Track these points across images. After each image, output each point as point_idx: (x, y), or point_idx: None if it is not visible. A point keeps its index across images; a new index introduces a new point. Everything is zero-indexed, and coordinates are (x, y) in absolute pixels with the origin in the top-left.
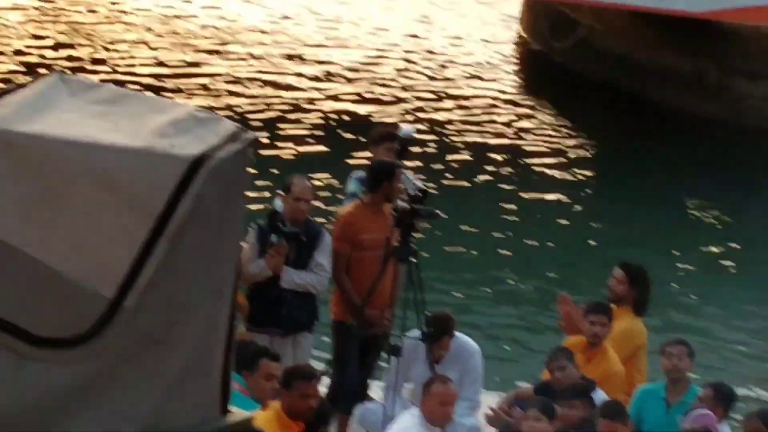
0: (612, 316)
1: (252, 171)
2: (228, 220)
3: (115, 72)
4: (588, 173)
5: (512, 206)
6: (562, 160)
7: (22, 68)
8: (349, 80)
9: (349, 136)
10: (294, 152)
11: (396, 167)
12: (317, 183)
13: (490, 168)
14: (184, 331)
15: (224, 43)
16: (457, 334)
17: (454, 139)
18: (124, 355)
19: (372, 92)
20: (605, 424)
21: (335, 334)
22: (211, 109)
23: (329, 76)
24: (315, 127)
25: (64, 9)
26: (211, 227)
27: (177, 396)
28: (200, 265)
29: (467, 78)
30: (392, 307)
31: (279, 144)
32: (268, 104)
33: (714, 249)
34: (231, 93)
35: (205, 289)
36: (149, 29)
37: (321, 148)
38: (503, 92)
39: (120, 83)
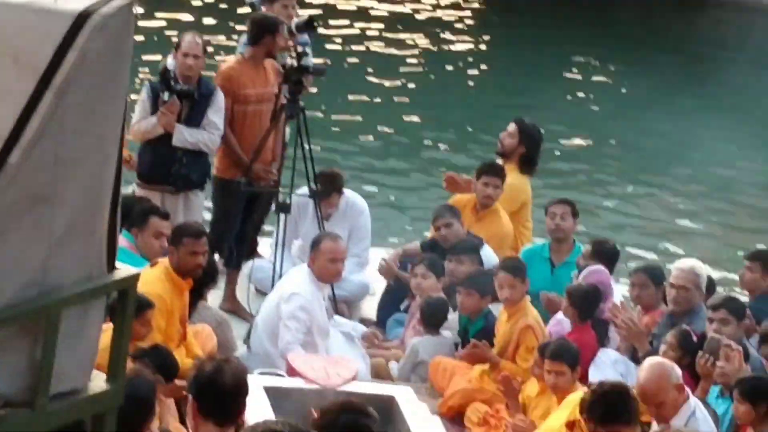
0: (504, 178)
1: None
2: (113, 76)
3: None
4: (486, 38)
5: (408, 68)
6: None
7: None
8: None
9: None
10: (193, 17)
11: (278, 23)
12: (219, 44)
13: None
14: (69, 187)
15: None
16: (346, 191)
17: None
18: (9, 211)
19: None
20: (504, 278)
21: (220, 190)
22: None
23: None
24: None
25: None
26: (97, 83)
27: (62, 252)
28: (86, 121)
29: None
30: (278, 162)
31: (178, 7)
32: None
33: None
34: None
35: (90, 146)
36: None
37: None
38: None
39: None
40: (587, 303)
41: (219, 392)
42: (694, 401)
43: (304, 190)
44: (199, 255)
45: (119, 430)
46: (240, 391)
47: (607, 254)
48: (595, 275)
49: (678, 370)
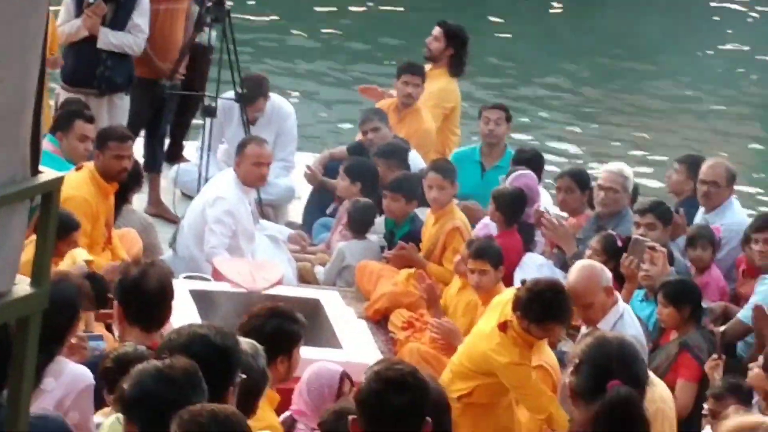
0: (425, 77)
1: None
2: None
3: None
4: None
5: None
6: None
7: None
8: None
9: None
10: None
11: None
12: None
13: None
14: None
15: None
16: (272, 95)
17: None
18: None
19: None
20: (433, 178)
21: (140, 90)
22: None
23: None
24: None
25: None
26: None
27: None
28: (4, 20)
29: None
30: (182, 58)
31: None
32: None
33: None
34: None
35: (10, 46)
36: None
37: None
38: None
39: None
40: (513, 207)
41: (144, 297)
42: (623, 305)
43: (230, 94)
44: (124, 159)
45: (44, 334)
46: (165, 295)
47: (528, 161)
48: (522, 179)
49: (608, 273)
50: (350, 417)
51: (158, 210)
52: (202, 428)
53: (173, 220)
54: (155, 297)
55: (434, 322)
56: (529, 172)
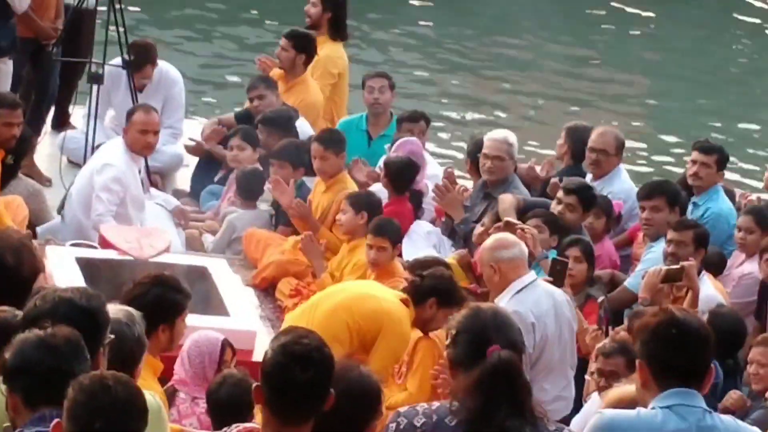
0: (310, 44)
1: None
2: None
3: None
4: None
5: None
6: None
7: None
8: None
9: None
10: None
11: None
12: None
13: None
14: None
15: None
16: (160, 62)
17: None
18: None
19: None
20: (316, 149)
21: (23, 52)
22: None
23: None
24: None
25: None
26: None
27: None
28: None
29: None
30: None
31: None
32: None
33: None
34: None
35: None
36: None
37: None
38: None
39: None
40: (403, 175)
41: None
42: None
43: (118, 60)
44: (14, 126)
45: None
46: (35, 277)
47: (411, 121)
48: (407, 146)
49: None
50: (254, 385)
51: (30, 172)
52: (106, 389)
53: (44, 183)
54: (29, 282)
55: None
56: (413, 138)
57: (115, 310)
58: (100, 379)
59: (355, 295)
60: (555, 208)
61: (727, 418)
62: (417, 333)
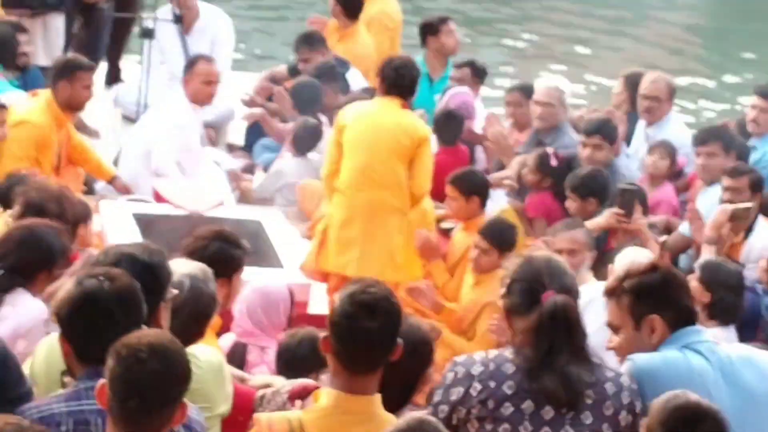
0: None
1: None
2: None
3: None
4: None
5: None
6: None
7: None
8: None
9: None
10: None
11: None
12: None
13: None
14: None
15: None
16: (208, 6)
17: None
18: None
19: None
20: None
21: (77, 10)
22: None
23: None
24: None
25: None
26: None
27: None
28: None
29: None
30: None
31: None
32: None
33: None
34: None
35: None
36: None
37: None
38: None
39: None
40: (447, 127)
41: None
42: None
43: (168, 14)
44: (90, 87)
45: (12, 267)
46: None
47: (477, 73)
48: (458, 97)
49: None
50: (322, 335)
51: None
52: (141, 363)
53: (92, 136)
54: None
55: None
56: (464, 88)
57: (190, 266)
58: (136, 352)
59: None
60: (583, 153)
61: (737, 345)
62: (482, 294)
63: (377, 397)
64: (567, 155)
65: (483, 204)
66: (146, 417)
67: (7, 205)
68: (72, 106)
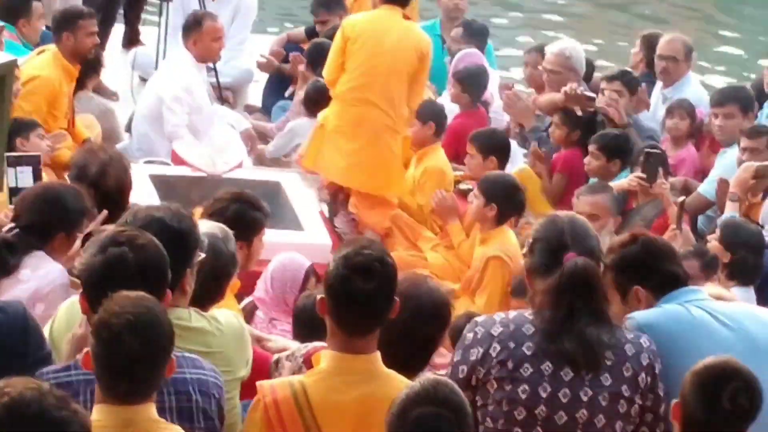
0: None
1: None
2: None
3: None
4: None
5: None
6: None
7: None
8: None
9: None
10: None
11: None
12: None
13: None
14: None
15: None
16: None
17: None
18: None
19: None
20: None
21: None
22: None
23: None
24: None
25: None
26: None
27: None
28: None
29: None
30: None
31: None
32: None
33: None
34: None
35: None
36: None
37: None
38: None
39: None
40: (479, 83)
41: (104, 194)
42: None
43: None
44: (94, 34)
45: (29, 227)
46: (123, 192)
47: (476, 32)
48: (468, 58)
49: None
50: (318, 297)
51: (97, 88)
52: (122, 345)
53: (111, 98)
54: (114, 194)
55: (439, 192)
56: (473, 50)
57: (210, 225)
58: (117, 336)
59: None
60: (601, 99)
61: (738, 302)
62: (486, 250)
63: (377, 355)
64: (592, 110)
65: (501, 165)
66: (136, 391)
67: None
68: (78, 55)
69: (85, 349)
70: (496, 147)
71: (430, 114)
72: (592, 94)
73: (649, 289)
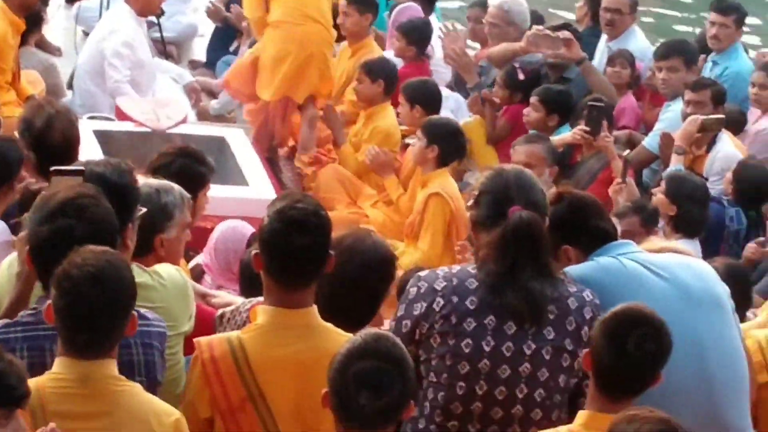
0: None
1: None
2: None
3: None
4: None
5: None
6: None
7: None
8: None
9: None
10: None
11: None
12: None
13: None
14: None
15: None
16: None
17: None
18: None
19: None
20: (342, 4)
21: None
22: None
23: None
24: None
25: None
26: None
27: None
28: None
29: None
30: None
31: None
32: None
33: None
34: None
35: None
36: None
37: None
38: None
39: None
40: (424, 35)
41: (51, 148)
42: None
43: None
44: None
45: None
46: (70, 145)
47: None
48: (407, 12)
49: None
50: (253, 252)
51: (40, 43)
52: (84, 298)
53: (55, 53)
54: (61, 148)
55: (373, 152)
56: (412, 3)
57: (155, 182)
58: (78, 286)
59: None
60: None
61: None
62: (427, 190)
63: (314, 309)
64: (534, 69)
65: (428, 115)
66: (95, 344)
67: None
68: (25, 7)
69: (48, 302)
70: (423, 96)
71: (381, 72)
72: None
73: (578, 248)
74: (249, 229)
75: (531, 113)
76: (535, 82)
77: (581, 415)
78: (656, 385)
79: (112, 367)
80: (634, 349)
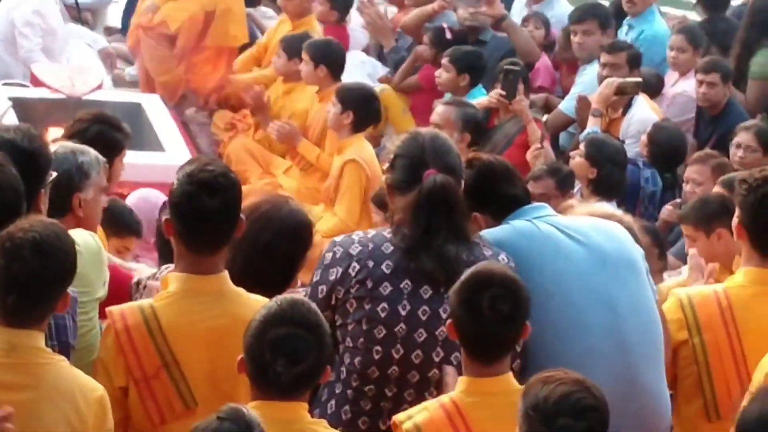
0: None
1: None
2: None
3: None
4: None
5: None
6: None
7: None
8: None
9: None
10: None
11: None
12: None
13: None
14: None
15: None
16: None
17: None
18: None
19: None
20: None
21: None
22: None
23: None
24: None
25: None
26: None
27: None
28: None
29: None
30: None
31: None
32: None
33: None
34: None
35: None
36: None
37: None
38: None
39: None
40: (344, 0)
41: None
42: None
43: None
44: None
45: None
46: None
47: None
48: None
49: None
50: (164, 218)
51: None
52: (22, 260)
53: None
54: None
55: (274, 124)
56: None
57: (71, 144)
58: (19, 248)
59: None
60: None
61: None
62: (343, 156)
63: (225, 275)
64: (461, 30)
65: (332, 75)
66: (25, 311)
67: None
68: None
69: None
70: (326, 56)
71: (298, 50)
72: None
73: (488, 214)
74: (161, 197)
75: (442, 74)
76: (463, 42)
77: (461, 382)
78: (526, 336)
79: (39, 339)
80: (489, 312)
